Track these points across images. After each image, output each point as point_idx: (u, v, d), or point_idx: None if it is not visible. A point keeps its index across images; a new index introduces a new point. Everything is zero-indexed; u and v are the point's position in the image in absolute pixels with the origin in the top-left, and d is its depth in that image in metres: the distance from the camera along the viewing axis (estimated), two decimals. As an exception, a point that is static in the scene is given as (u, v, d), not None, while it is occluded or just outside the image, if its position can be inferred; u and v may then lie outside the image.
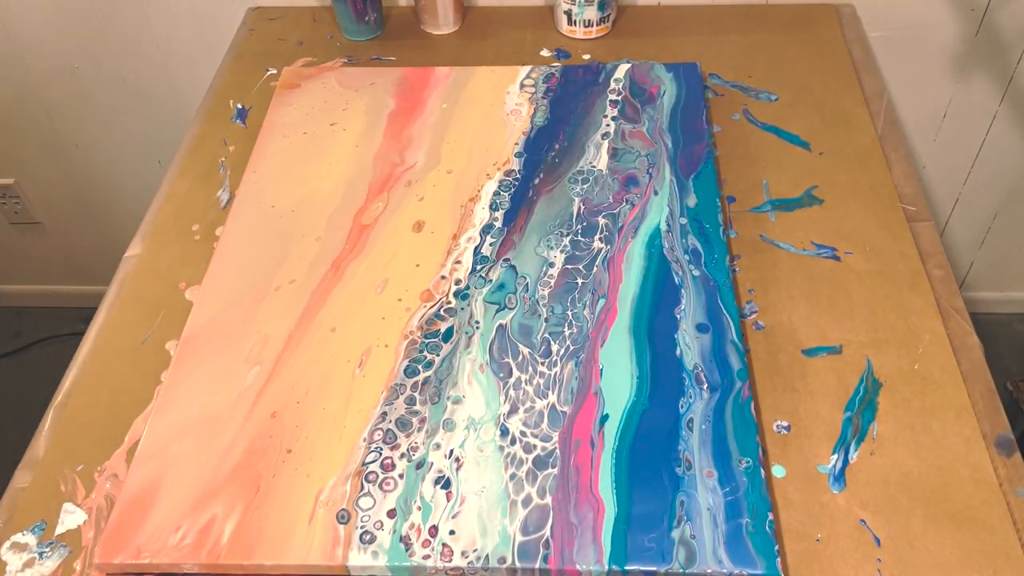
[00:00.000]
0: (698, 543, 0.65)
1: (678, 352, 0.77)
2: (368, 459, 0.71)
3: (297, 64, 1.15)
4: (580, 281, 0.84)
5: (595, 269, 0.85)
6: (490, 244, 0.88)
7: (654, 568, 0.64)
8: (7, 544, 0.70)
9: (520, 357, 0.78)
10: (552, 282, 0.84)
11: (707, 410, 0.73)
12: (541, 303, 0.82)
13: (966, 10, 1.23)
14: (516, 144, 0.99)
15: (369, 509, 0.68)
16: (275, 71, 1.14)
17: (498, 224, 0.90)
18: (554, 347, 0.78)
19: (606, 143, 0.98)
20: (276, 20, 1.24)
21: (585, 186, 0.93)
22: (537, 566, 0.65)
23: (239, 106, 1.09)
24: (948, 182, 1.45)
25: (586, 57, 1.15)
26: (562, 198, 0.92)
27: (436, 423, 0.74)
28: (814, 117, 1.04)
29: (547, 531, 0.66)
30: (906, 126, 1.35)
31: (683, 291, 0.82)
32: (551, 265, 0.85)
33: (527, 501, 0.68)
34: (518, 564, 0.65)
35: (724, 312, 0.80)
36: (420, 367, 0.78)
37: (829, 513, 0.69)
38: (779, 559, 0.64)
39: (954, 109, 1.34)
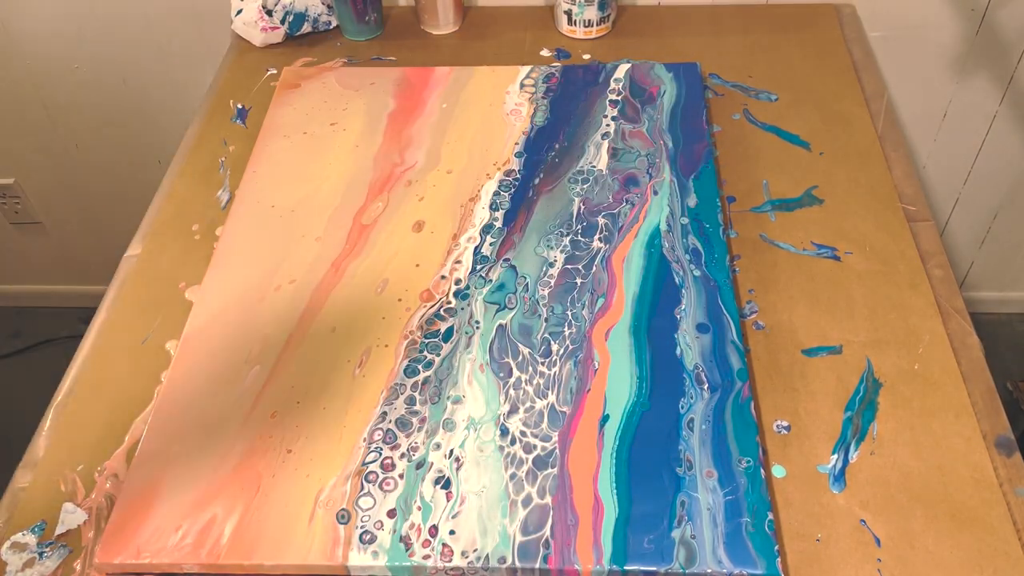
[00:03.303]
0: (698, 543, 0.65)
1: (678, 352, 0.77)
2: (368, 459, 0.71)
3: (297, 64, 1.15)
4: (580, 281, 0.84)
5: (595, 269, 0.85)
6: (490, 244, 0.88)
7: (654, 568, 0.64)
8: (7, 544, 0.70)
9: (520, 357, 0.78)
10: (552, 282, 0.84)
11: (707, 410, 0.73)
12: (541, 303, 0.82)
13: (966, 10, 1.22)
14: (516, 144, 0.99)
15: (369, 509, 0.68)
16: (275, 71, 1.14)
17: (498, 224, 0.90)
18: (554, 347, 0.78)
19: (606, 143, 0.98)
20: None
21: (585, 186, 0.93)
22: (537, 566, 0.65)
23: (239, 106, 1.09)
24: (948, 182, 1.45)
25: (586, 57, 1.15)
26: (562, 198, 0.92)
27: (436, 423, 0.74)
28: (814, 117, 1.04)
29: (547, 531, 0.66)
30: (906, 126, 1.35)
31: (683, 291, 0.82)
32: (551, 265, 0.85)
33: (527, 501, 0.68)
34: (518, 564, 0.65)
35: (724, 312, 0.80)
36: (420, 367, 0.78)
37: (829, 513, 0.69)
38: (779, 559, 0.64)
39: (954, 109, 1.34)
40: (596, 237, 0.88)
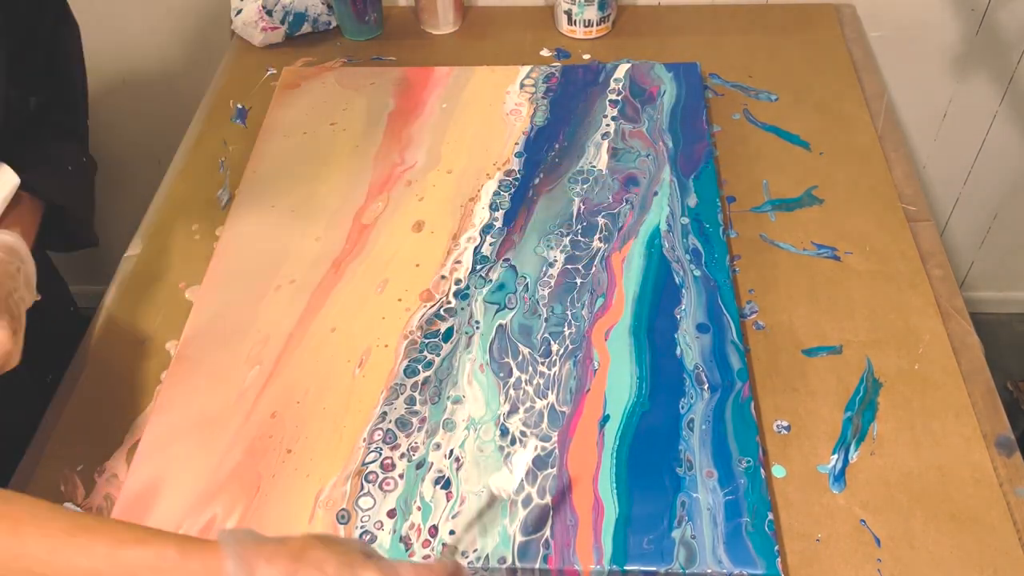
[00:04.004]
0: (698, 543, 0.65)
1: (678, 352, 0.77)
2: (368, 459, 0.71)
3: (297, 64, 1.15)
4: (580, 281, 0.84)
5: (594, 269, 0.85)
6: (490, 244, 0.88)
7: (654, 568, 0.64)
8: (7, 544, 0.70)
9: (520, 357, 0.78)
10: (552, 282, 0.84)
11: (707, 410, 0.73)
12: (541, 303, 0.82)
13: (966, 10, 1.23)
14: (516, 144, 0.99)
15: (369, 509, 0.68)
16: (275, 71, 1.14)
17: (498, 224, 0.90)
18: (554, 347, 0.78)
19: (606, 143, 0.98)
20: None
21: (585, 186, 0.93)
22: (537, 566, 0.65)
23: (239, 106, 1.09)
24: (948, 182, 1.45)
25: (586, 57, 1.15)
26: (562, 198, 0.92)
27: (436, 423, 0.74)
28: (814, 117, 1.03)
29: (547, 531, 0.66)
30: (906, 126, 1.35)
31: (683, 291, 0.82)
32: (551, 265, 0.85)
33: (527, 501, 0.68)
34: (518, 564, 0.65)
35: (724, 312, 0.80)
36: (420, 367, 0.78)
37: (829, 513, 0.69)
38: (779, 559, 0.64)
39: (954, 109, 1.34)
40: (596, 237, 0.88)
